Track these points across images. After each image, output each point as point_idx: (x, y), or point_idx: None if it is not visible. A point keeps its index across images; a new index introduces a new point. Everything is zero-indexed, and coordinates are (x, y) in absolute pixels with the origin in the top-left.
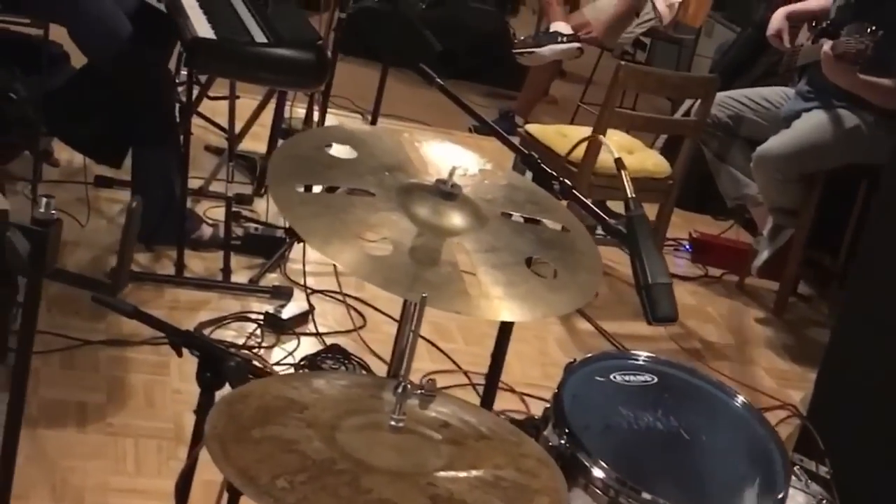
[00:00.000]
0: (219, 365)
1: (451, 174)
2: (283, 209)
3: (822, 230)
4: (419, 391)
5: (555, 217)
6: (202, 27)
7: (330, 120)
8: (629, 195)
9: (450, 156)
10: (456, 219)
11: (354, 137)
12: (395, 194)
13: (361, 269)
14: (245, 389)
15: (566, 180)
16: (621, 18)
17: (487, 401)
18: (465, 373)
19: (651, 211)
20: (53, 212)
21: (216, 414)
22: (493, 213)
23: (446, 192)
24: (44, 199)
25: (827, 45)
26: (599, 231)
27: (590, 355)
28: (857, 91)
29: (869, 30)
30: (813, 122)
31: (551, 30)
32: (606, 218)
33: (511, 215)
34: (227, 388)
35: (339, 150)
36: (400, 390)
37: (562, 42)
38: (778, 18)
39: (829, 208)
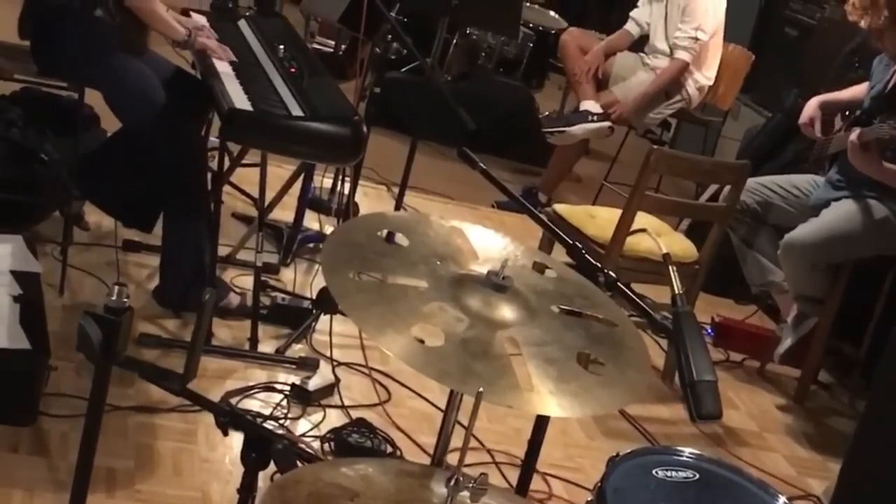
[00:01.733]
0: (265, 446)
1: (503, 266)
2: (338, 295)
3: (846, 319)
4: (471, 484)
5: (604, 311)
6: (239, 98)
7: (356, 192)
8: (677, 291)
9: (499, 245)
10: (507, 311)
11: (406, 225)
12: (447, 284)
13: (414, 360)
14: (296, 475)
15: (611, 272)
16: (651, 98)
17: (522, 487)
18: (489, 451)
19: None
20: (126, 300)
21: (269, 499)
22: (543, 306)
23: (497, 284)
24: (116, 288)
25: (854, 133)
26: (633, 315)
27: (633, 449)
28: (884, 180)
29: None
30: (842, 211)
31: (581, 108)
32: (653, 313)
33: (570, 311)
34: (269, 468)
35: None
36: (453, 483)
37: (592, 121)
38: (812, 107)
39: (853, 298)
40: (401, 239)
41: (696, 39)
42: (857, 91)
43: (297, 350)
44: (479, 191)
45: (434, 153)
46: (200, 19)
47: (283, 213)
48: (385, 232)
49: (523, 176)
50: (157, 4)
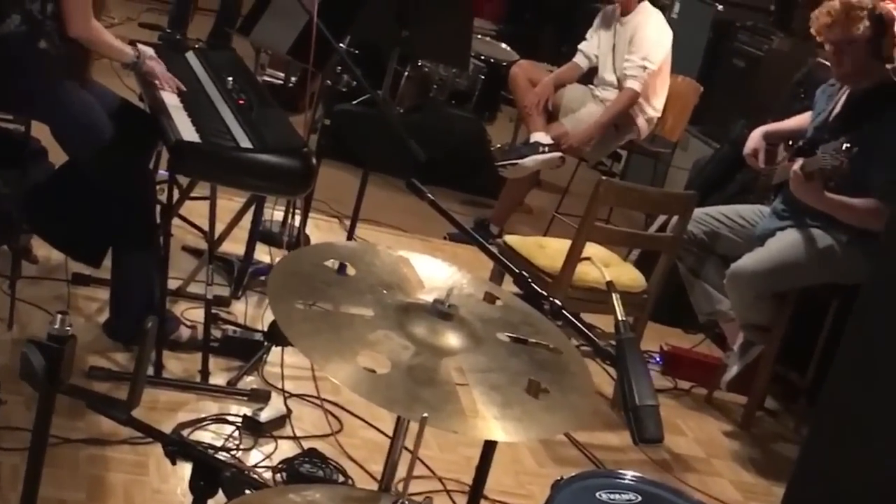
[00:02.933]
0: (213, 474)
1: (449, 295)
2: (285, 325)
3: (791, 347)
4: None
5: (548, 338)
6: (187, 130)
7: (307, 224)
8: (620, 318)
9: (445, 274)
10: (452, 339)
11: (354, 255)
12: (393, 313)
13: (361, 387)
14: (244, 501)
15: (556, 300)
16: (602, 129)
17: None
18: (440, 479)
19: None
20: (68, 328)
21: None
22: (489, 334)
23: (443, 312)
24: (59, 316)
25: (797, 163)
26: (576, 341)
27: (577, 473)
28: (826, 209)
29: (844, 146)
30: (787, 240)
31: (531, 140)
32: (597, 340)
33: (517, 339)
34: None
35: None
36: None
37: (543, 152)
38: (755, 137)
39: (799, 326)
40: (349, 269)
41: (645, 68)
42: (801, 121)
43: (249, 382)
44: (431, 223)
45: (387, 185)
46: (148, 50)
47: (234, 246)
48: (336, 263)
49: (475, 208)
50: (102, 32)
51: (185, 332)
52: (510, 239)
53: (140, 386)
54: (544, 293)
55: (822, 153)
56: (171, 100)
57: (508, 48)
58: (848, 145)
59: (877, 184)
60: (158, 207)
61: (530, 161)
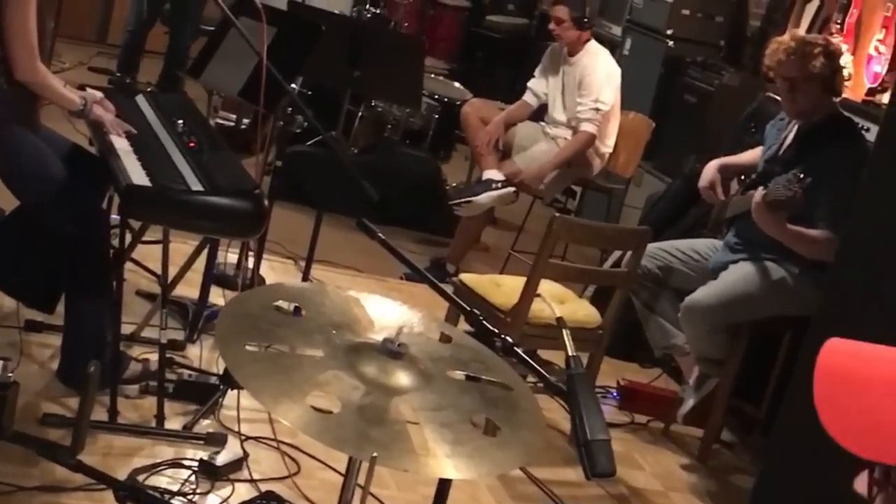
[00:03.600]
0: None
1: (398, 334)
2: (232, 367)
3: (746, 379)
4: None
5: (499, 375)
6: (137, 174)
7: (262, 266)
8: (570, 353)
9: (395, 313)
10: (403, 377)
11: (302, 295)
12: (343, 353)
13: (310, 428)
14: None
15: (507, 337)
16: (555, 167)
17: None
18: None
19: (581, 359)
20: (10, 374)
21: None
22: (439, 372)
23: (393, 351)
24: (1, 362)
25: (758, 193)
26: (530, 378)
27: None
28: (784, 240)
29: (798, 177)
30: (740, 274)
31: (484, 178)
32: (548, 376)
33: (469, 377)
34: None
35: (287, 307)
36: None
37: (497, 188)
38: (710, 170)
39: (753, 358)
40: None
41: (598, 110)
42: (754, 155)
43: (205, 426)
44: (387, 263)
45: (342, 226)
46: (97, 94)
47: (189, 290)
48: (292, 306)
49: (431, 247)
50: (48, 76)
51: (136, 367)
52: (466, 277)
53: (84, 430)
54: (495, 330)
55: (775, 185)
56: (120, 144)
57: (462, 87)
58: (801, 175)
59: (826, 215)
60: (111, 252)
61: (485, 198)
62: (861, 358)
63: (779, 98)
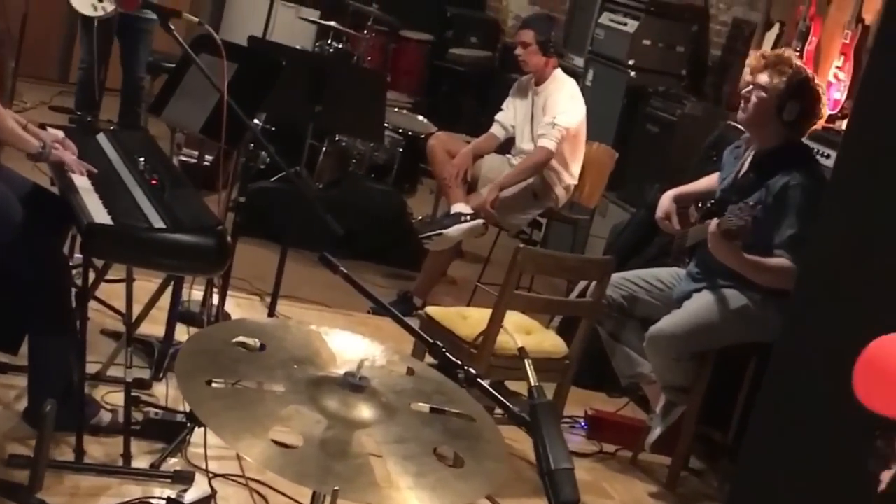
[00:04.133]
0: None
1: (360, 367)
2: (193, 403)
3: (713, 406)
4: None
5: (461, 406)
6: (98, 212)
7: (228, 303)
8: (532, 383)
9: (357, 347)
10: (365, 411)
11: (263, 330)
12: (305, 387)
13: (272, 463)
14: None
15: (470, 368)
16: (511, 183)
17: None
18: None
19: (548, 390)
20: None
21: None
22: (402, 405)
23: (354, 384)
24: None
25: (712, 224)
26: (498, 411)
27: None
28: (742, 270)
29: (749, 205)
30: (703, 302)
31: (452, 211)
32: (511, 406)
33: (434, 409)
34: None
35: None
36: None
37: (466, 220)
38: (665, 202)
39: (719, 385)
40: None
41: (555, 125)
42: (709, 182)
43: (173, 464)
44: (354, 297)
45: (308, 262)
46: (58, 134)
47: (154, 328)
48: (257, 342)
49: (399, 281)
50: (7, 119)
51: (105, 416)
52: (431, 310)
53: (41, 468)
54: (458, 362)
55: (728, 215)
56: (82, 182)
57: (426, 120)
58: (752, 203)
59: (783, 242)
60: (74, 291)
61: (454, 230)
62: None
63: (740, 126)
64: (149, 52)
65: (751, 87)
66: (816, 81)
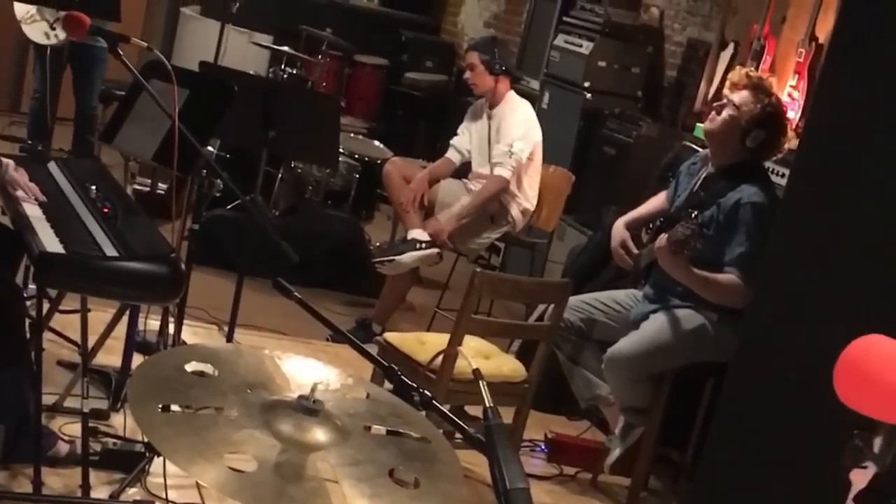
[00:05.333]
0: None
1: (313, 390)
2: (146, 430)
3: (671, 427)
4: None
5: (416, 428)
6: (50, 241)
7: (185, 332)
8: (487, 404)
9: (311, 371)
10: (319, 434)
11: (215, 356)
12: (258, 412)
13: (227, 488)
14: None
15: (426, 391)
16: (473, 217)
17: None
18: None
19: (508, 413)
20: None
21: None
22: (356, 427)
23: (308, 408)
24: None
25: (661, 238)
26: (457, 435)
27: None
28: (691, 285)
29: (692, 214)
30: (658, 323)
31: (409, 237)
32: (466, 427)
33: (390, 431)
34: None
35: (199, 369)
36: None
37: (421, 248)
38: (618, 230)
39: (677, 406)
40: (210, 369)
41: (511, 154)
42: (657, 202)
43: (132, 494)
44: (312, 325)
45: (265, 290)
46: (9, 163)
47: (111, 358)
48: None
49: (358, 308)
50: None
51: (63, 448)
52: (390, 336)
53: None
54: (413, 384)
55: (677, 226)
56: (33, 212)
57: (382, 146)
58: (694, 213)
59: (734, 259)
60: (28, 322)
61: (408, 257)
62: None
63: (696, 147)
64: (102, 80)
65: (725, 101)
66: (787, 115)
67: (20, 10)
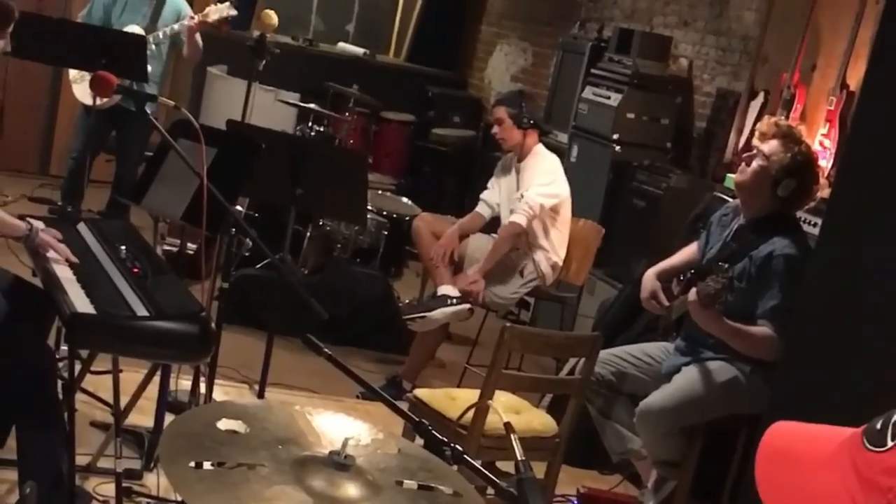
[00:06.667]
0: None
1: (345, 445)
2: (178, 487)
3: (704, 480)
4: None
5: (448, 483)
6: (81, 302)
7: (216, 391)
8: (519, 458)
9: (342, 426)
10: (351, 489)
11: (246, 412)
12: (290, 467)
13: None
14: None
15: (457, 445)
16: (490, 265)
17: None
18: None
19: (539, 468)
20: None
21: None
22: (388, 482)
23: (340, 463)
24: None
25: (691, 292)
26: (489, 491)
27: None
28: (723, 336)
29: (723, 267)
30: (691, 376)
31: (438, 293)
32: (498, 482)
33: (422, 486)
34: None
35: (230, 426)
36: None
37: (451, 304)
38: (649, 280)
39: (710, 458)
40: (241, 426)
41: (526, 200)
42: (688, 253)
43: None
44: (343, 383)
45: (296, 349)
46: (38, 224)
47: (143, 418)
48: (247, 428)
49: (387, 365)
50: None
51: None
52: (420, 392)
53: None
54: (444, 439)
55: (707, 280)
56: (63, 273)
57: (410, 202)
58: (726, 266)
59: (766, 312)
60: (61, 383)
61: (438, 314)
62: (798, 438)
63: (726, 198)
64: (144, 147)
65: (755, 151)
66: (819, 163)
67: (72, 70)
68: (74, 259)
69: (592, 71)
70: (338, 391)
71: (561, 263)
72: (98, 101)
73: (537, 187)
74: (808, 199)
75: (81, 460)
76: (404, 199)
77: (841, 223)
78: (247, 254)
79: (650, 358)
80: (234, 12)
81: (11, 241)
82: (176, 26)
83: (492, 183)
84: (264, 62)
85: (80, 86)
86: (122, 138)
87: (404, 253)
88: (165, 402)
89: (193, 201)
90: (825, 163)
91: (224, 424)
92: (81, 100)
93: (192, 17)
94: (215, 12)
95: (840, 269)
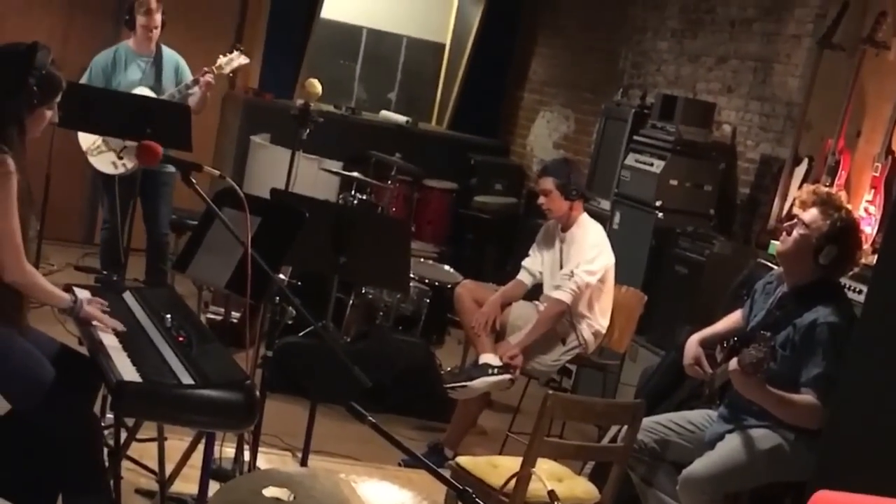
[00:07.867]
0: None
1: None
2: None
3: None
4: None
5: None
6: (127, 370)
7: (260, 459)
8: None
9: (386, 494)
10: None
11: (291, 480)
12: None
13: None
14: None
15: None
16: (539, 341)
17: None
18: None
19: None
20: None
21: None
22: None
23: None
24: None
25: (733, 360)
26: None
27: None
28: (767, 405)
29: (766, 336)
30: (735, 443)
31: (480, 361)
32: None
33: None
34: None
35: (276, 493)
36: None
37: (493, 374)
38: (692, 347)
39: None
40: (286, 493)
41: (573, 277)
42: (732, 320)
43: None
44: (385, 451)
45: (339, 416)
46: (84, 293)
47: (187, 486)
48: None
49: (428, 433)
50: (36, 276)
51: None
52: (462, 460)
53: None
54: None
55: (749, 348)
56: (109, 341)
57: (452, 270)
58: (768, 335)
59: (811, 380)
60: (107, 450)
61: (480, 383)
62: None
63: (770, 265)
64: (170, 207)
65: (795, 220)
66: (861, 228)
67: (85, 141)
68: (122, 328)
69: (635, 137)
70: (380, 458)
71: (604, 331)
72: (118, 170)
73: (585, 265)
74: (852, 265)
75: None
76: (446, 267)
77: (887, 290)
78: (290, 322)
79: (693, 425)
80: (246, 60)
81: (57, 310)
82: (192, 85)
83: (534, 250)
84: (308, 131)
85: (96, 157)
86: (147, 205)
87: (446, 321)
88: (209, 470)
89: (238, 270)
90: (870, 229)
91: (270, 492)
92: (100, 170)
93: (209, 72)
94: (228, 63)
95: (886, 337)
